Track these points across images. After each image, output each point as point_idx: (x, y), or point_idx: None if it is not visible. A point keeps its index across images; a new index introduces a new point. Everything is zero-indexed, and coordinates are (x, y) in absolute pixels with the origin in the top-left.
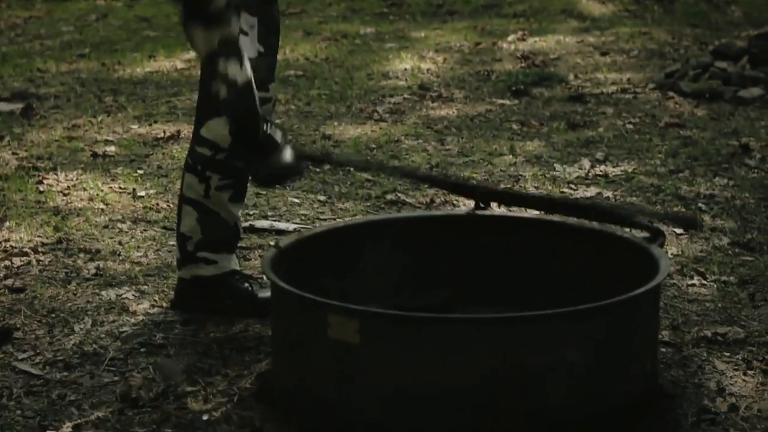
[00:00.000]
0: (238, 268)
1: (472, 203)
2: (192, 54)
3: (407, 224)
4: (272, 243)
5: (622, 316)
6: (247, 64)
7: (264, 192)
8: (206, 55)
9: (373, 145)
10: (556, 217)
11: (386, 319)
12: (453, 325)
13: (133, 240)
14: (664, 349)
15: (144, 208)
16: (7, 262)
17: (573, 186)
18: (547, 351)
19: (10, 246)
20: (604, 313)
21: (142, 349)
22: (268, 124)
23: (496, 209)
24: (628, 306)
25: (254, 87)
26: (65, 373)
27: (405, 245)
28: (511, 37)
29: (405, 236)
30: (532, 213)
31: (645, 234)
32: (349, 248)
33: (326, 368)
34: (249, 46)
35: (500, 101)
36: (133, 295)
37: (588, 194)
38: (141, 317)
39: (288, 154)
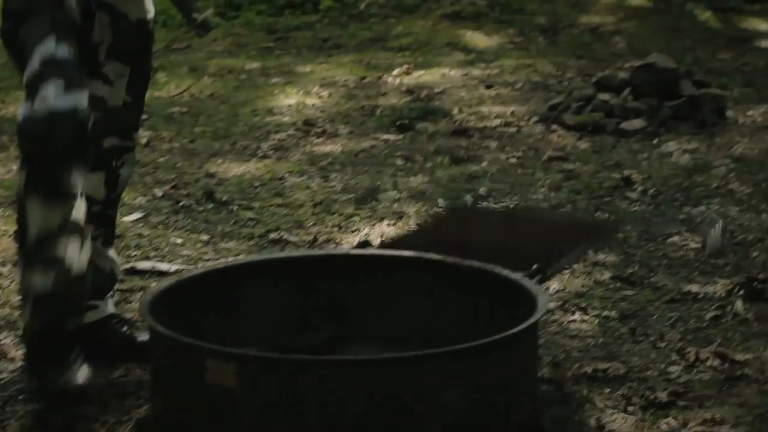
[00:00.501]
0: (115, 311)
1: (352, 242)
2: None
3: (288, 264)
4: (153, 285)
5: (500, 354)
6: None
7: (146, 233)
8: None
9: (257, 183)
10: (434, 255)
11: (263, 362)
12: (330, 367)
13: (13, 284)
14: (545, 387)
15: None
16: None
17: None
18: (425, 391)
19: None
20: (482, 352)
21: (20, 397)
22: None
23: (374, 248)
24: (506, 344)
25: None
26: None
27: (285, 286)
28: (396, 71)
29: (286, 276)
30: (410, 251)
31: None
32: (229, 289)
33: (204, 413)
34: (113, 96)
35: (385, 136)
36: (11, 340)
37: None
38: (20, 363)
39: None
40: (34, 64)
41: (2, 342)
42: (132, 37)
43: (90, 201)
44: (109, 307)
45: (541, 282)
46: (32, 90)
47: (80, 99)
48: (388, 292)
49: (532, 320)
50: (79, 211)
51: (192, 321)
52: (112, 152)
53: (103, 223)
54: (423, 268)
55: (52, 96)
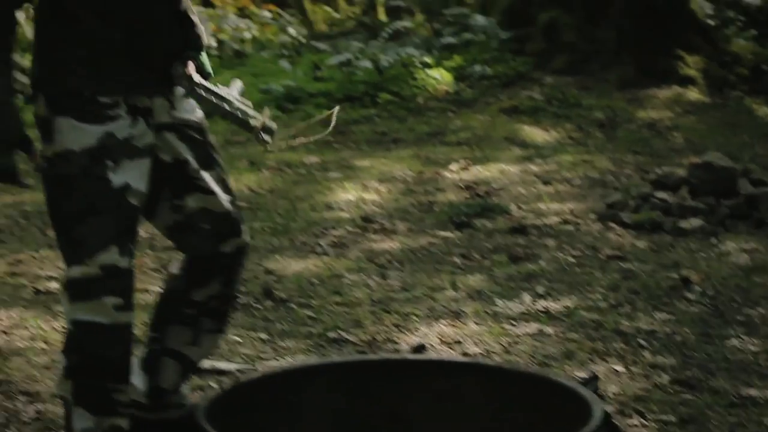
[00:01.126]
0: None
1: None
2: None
3: (345, 369)
4: (213, 384)
5: None
6: None
7: None
8: None
9: (316, 281)
10: (489, 361)
11: None
12: None
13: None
14: None
15: None
16: None
17: (514, 322)
18: None
19: None
20: None
21: None
22: None
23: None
24: None
25: None
26: None
27: (343, 390)
28: (454, 166)
29: (343, 381)
30: (465, 357)
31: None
32: (287, 394)
33: None
34: (219, 202)
35: (443, 233)
36: None
37: (529, 330)
38: None
39: None
40: (93, 267)
41: None
42: (206, 139)
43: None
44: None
45: (595, 390)
46: (85, 293)
47: (132, 317)
48: (444, 398)
49: (586, 430)
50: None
51: (249, 426)
52: (234, 254)
53: (217, 315)
54: (479, 373)
55: (109, 312)
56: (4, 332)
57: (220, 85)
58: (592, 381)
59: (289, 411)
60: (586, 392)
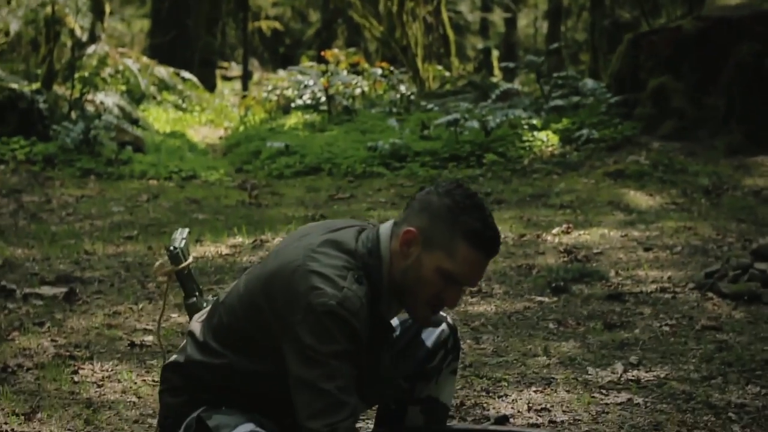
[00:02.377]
0: None
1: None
2: (238, 239)
3: None
4: None
5: None
6: None
7: None
8: None
9: None
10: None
11: None
12: None
13: None
14: None
15: None
16: None
17: (604, 391)
18: None
19: None
20: None
21: None
22: None
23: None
24: None
25: None
26: None
27: None
28: (555, 230)
29: None
30: (548, 428)
31: None
32: None
33: None
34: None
35: (539, 298)
36: None
37: (618, 400)
38: None
39: None
40: None
41: None
42: None
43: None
44: None
45: None
46: None
47: None
48: None
49: None
50: None
51: None
52: None
53: None
54: None
55: None
56: (97, 384)
57: None
58: None
59: None
60: None
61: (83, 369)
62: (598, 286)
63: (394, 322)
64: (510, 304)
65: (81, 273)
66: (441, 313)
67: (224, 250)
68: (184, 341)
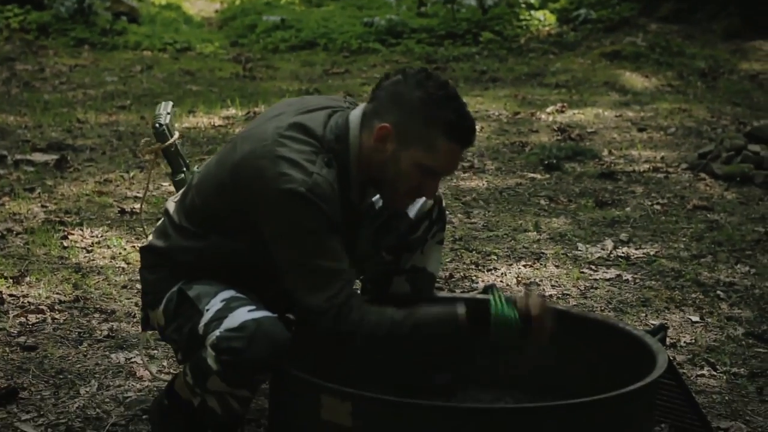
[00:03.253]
0: None
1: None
2: (231, 111)
3: None
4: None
5: (610, 412)
6: None
7: None
8: None
9: None
10: (559, 305)
11: (378, 404)
12: (442, 413)
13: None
14: None
15: None
16: (23, 319)
17: (593, 267)
18: None
19: (28, 302)
20: (591, 409)
21: (144, 416)
22: None
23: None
24: (617, 402)
25: None
26: None
27: None
28: (550, 108)
29: None
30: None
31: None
32: None
33: None
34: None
35: (531, 175)
36: (141, 359)
37: (608, 276)
38: (147, 383)
39: None
40: None
41: (133, 360)
42: None
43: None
44: None
45: (662, 340)
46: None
47: None
48: None
49: (648, 380)
50: None
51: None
52: None
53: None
54: None
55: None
56: (86, 250)
57: None
58: (660, 330)
59: None
60: (652, 341)
61: (73, 234)
62: (591, 165)
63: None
64: (502, 180)
65: (73, 141)
66: None
67: (217, 122)
68: (161, 220)
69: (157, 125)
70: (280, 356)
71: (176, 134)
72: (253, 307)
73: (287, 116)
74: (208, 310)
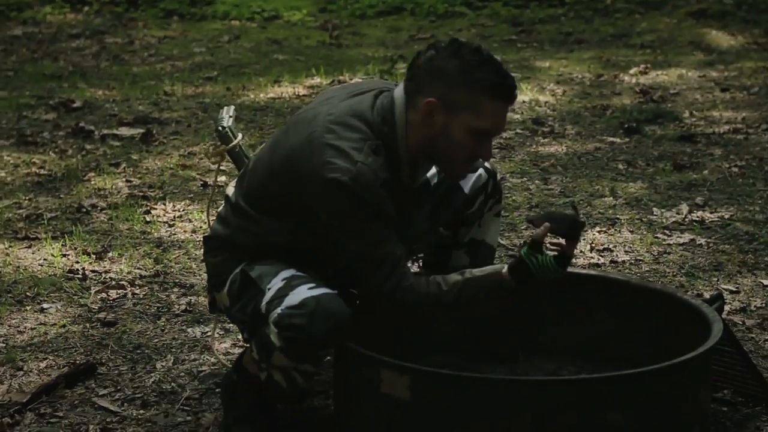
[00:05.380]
0: None
1: None
2: (316, 80)
3: None
4: None
5: (665, 381)
6: None
7: None
8: None
9: None
10: (618, 275)
11: (434, 377)
12: (499, 386)
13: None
14: (725, 409)
15: None
16: (104, 295)
17: (667, 232)
18: (589, 414)
19: (109, 278)
20: (646, 379)
21: (217, 390)
22: None
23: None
24: (672, 372)
25: None
26: (141, 411)
27: None
28: (633, 70)
29: None
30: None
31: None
32: None
33: (377, 421)
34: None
35: (611, 139)
36: (218, 333)
37: (681, 241)
38: (221, 356)
39: None
40: None
41: (209, 335)
42: None
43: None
44: None
45: (719, 310)
46: None
47: None
48: (570, 307)
49: (701, 349)
50: None
51: (388, 326)
52: None
53: None
54: (607, 286)
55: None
56: (168, 224)
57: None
58: (717, 300)
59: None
60: (708, 310)
61: (155, 209)
62: (671, 127)
63: (431, 171)
64: (581, 144)
65: (159, 114)
66: None
67: (302, 91)
68: (222, 206)
69: (219, 128)
70: (340, 332)
71: (239, 135)
72: (314, 285)
73: (338, 100)
74: (269, 289)
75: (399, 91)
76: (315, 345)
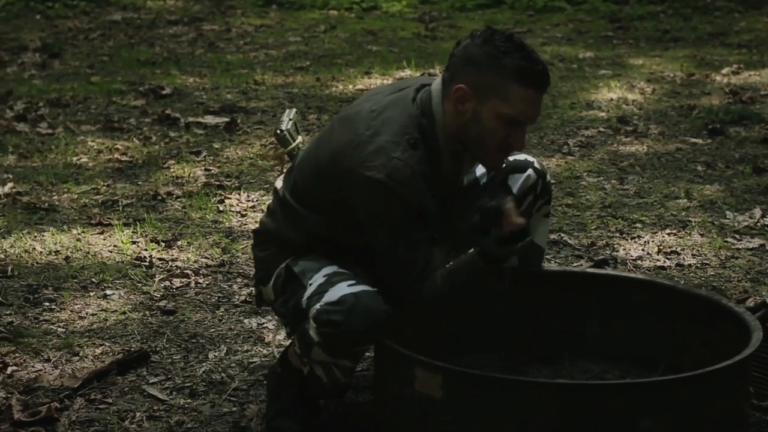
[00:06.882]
0: None
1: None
2: (406, 72)
3: (526, 277)
4: None
5: (701, 388)
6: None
7: None
8: None
9: (554, 181)
10: (665, 280)
11: (468, 377)
12: (532, 388)
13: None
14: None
15: None
16: (167, 283)
17: (737, 236)
18: (621, 419)
19: (175, 266)
20: (682, 385)
21: (265, 381)
22: None
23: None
24: (708, 379)
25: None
26: (189, 400)
27: (518, 294)
28: (725, 70)
29: (523, 287)
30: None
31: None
32: None
33: (410, 419)
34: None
35: (693, 140)
36: (273, 325)
37: (751, 245)
38: (273, 349)
39: None
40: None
41: (264, 326)
42: None
43: None
44: None
45: (762, 318)
46: None
47: None
48: (617, 312)
49: (739, 357)
50: None
51: (428, 325)
52: None
53: None
54: (653, 292)
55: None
56: (240, 214)
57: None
58: (761, 308)
59: (468, 314)
60: (750, 318)
61: (229, 198)
62: (756, 129)
63: (479, 171)
64: (662, 144)
65: (246, 103)
66: (528, 158)
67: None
68: (272, 198)
69: (278, 131)
70: (378, 328)
71: (299, 138)
72: (354, 282)
73: (382, 96)
74: (311, 284)
75: (437, 83)
76: (352, 341)
